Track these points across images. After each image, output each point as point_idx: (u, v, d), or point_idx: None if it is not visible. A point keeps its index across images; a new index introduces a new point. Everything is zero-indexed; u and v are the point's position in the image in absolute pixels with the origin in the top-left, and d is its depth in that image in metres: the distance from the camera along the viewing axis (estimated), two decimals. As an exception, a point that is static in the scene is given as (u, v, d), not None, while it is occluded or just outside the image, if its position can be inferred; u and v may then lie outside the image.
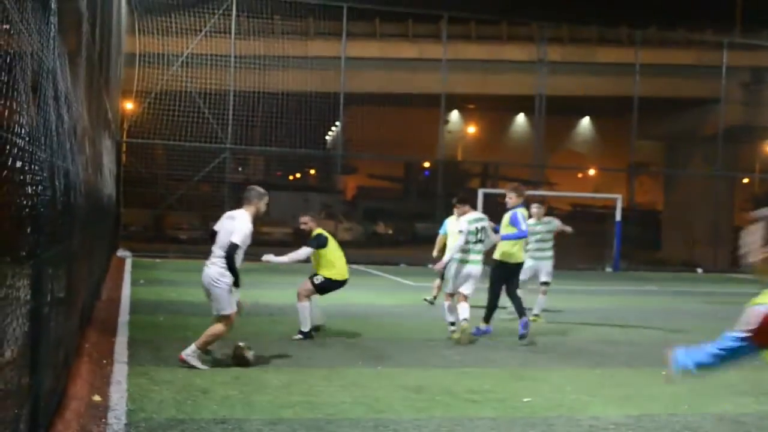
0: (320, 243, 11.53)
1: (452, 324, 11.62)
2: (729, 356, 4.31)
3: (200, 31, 27.18)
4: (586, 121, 45.77)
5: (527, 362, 10.04)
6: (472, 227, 11.51)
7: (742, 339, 4.13)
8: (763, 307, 3.96)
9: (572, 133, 45.82)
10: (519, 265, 12.11)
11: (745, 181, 42.23)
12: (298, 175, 45.08)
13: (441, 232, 15.21)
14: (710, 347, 4.45)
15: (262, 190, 9.40)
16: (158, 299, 14.91)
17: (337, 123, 30.15)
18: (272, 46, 27.78)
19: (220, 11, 27.14)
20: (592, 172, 46.25)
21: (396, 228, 43.33)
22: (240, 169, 32.44)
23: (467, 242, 11.43)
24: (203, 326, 11.92)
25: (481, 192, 28.95)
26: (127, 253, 24.81)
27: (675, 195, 39.99)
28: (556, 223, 14.42)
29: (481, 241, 11.54)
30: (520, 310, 11.73)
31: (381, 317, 13.85)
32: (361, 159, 39.68)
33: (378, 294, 17.08)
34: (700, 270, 30.95)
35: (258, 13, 27.29)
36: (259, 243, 35.82)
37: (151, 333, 10.99)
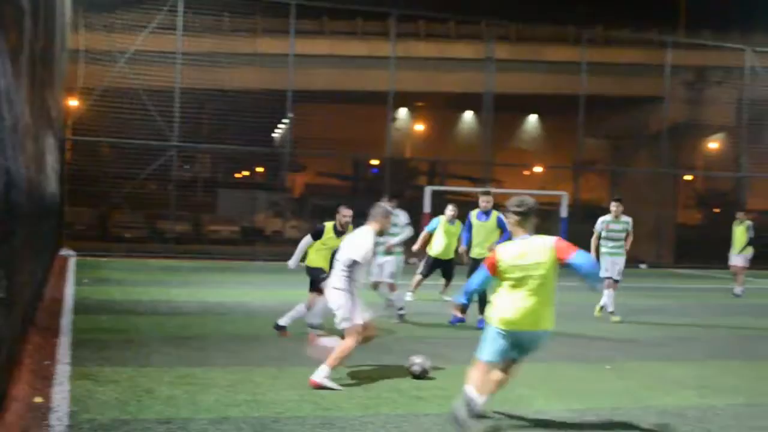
0: None
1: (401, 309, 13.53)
2: (483, 282, 7.23)
3: (146, 27, 26.88)
4: (533, 119, 46.12)
5: (473, 358, 10.07)
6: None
7: (485, 270, 7.12)
8: (496, 251, 7.09)
9: (519, 131, 46.14)
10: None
11: (689, 178, 42.90)
12: (246, 173, 44.81)
13: (428, 229, 15.55)
14: (472, 280, 7.40)
15: (389, 208, 9.14)
16: (103, 299, 14.74)
17: (286, 120, 30.03)
18: (220, 43, 27.60)
19: (166, 8, 26.86)
20: (539, 169, 46.62)
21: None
22: (187, 167, 32.22)
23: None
24: (148, 326, 11.83)
25: (428, 189, 29.05)
26: (71, 252, 24.48)
27: (620, 192, 40.43)
28: (631, 223, 14.73)
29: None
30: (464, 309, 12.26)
31: (328, 315, 13.79)
32: (310, 156, 39.57)
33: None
34: (643, 265, 31.34)
35: (205, 9, 27.10)
36: (207, 241, 35.69)
37: (95, 333, 10.85)
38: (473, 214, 13.22)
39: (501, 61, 32.12)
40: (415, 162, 50.62)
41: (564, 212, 28.79)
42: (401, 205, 14.47)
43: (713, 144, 42.48)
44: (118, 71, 26.62)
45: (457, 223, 14.90)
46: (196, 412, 6.94)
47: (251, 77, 28.05)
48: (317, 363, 8.41)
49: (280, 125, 32.49)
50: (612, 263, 14.37)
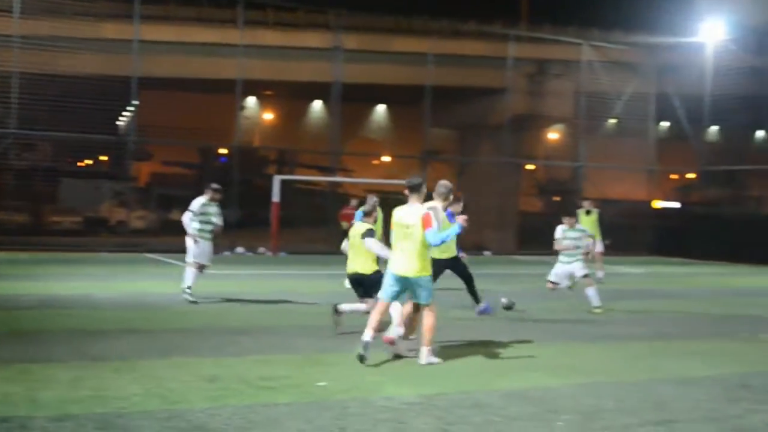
0: None
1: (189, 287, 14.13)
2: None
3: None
4: (381, 109, 46.55)
5: (323, 347, 10.16)
6: (204, 209, 14.28)
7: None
8: (394, 211, 9.33)
9: (368, 121, 46.51)
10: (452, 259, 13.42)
11: (530, 167, 44.28)
12: (89, 162, 43.41)
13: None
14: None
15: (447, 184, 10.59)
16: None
17: (131, 108, 29.28)
18: (61, 27, 26.56)
19: (2, -12, 25.72)
20: (387, 158, 47.13)
21: (192, 215, 42.45)
22: (26, 155, 30.98)
23: (203, 221, 14.27)
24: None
25: (277, 178, 28.97)
26: None
27: (466, 181, 41.26)
28: (587, 231, 15.56)
29: (211, 222, 14.39)
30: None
31: (175, 306, 13.63)
32: (156, 145, 38.72)
33: (173, 283, 16.75)
34: (488, 252, 32.19)
35: (45, -9, 26.09)
36: (48, 232, 34.52)
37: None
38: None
39: (349, 51, 32.25)
40: (264, 151, 50.35)
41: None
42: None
43: (553, 135, 44.02)
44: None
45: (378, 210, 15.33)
46: (36, 410, 6.71)
47: (95, 63, 27.15)
48: (163, 356, 8.25)
49: (125, 113, 31.66)
50: (567, 270, 14.82)
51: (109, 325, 11.30)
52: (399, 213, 9.42)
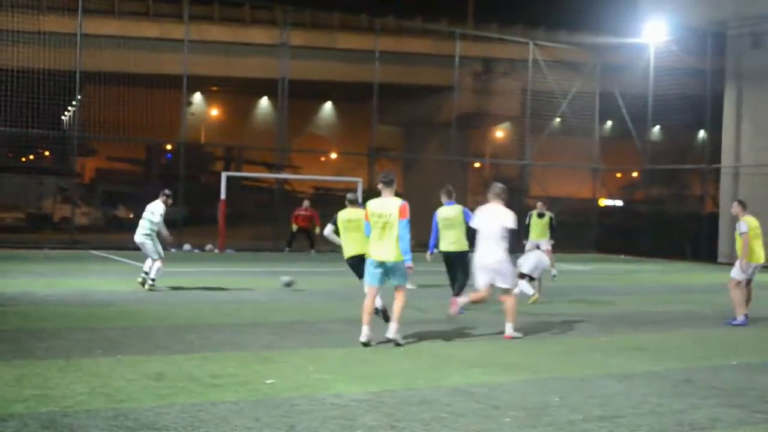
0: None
1: (148, 274, 15.50)
2: (368, 226, 10.46)
3: None
4: (328, 106, 46.51)
5: (271, 345, 10.13)
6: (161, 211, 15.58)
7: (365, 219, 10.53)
8: (368, 204, 10.43)
9: (315, 117, 46.44)
10: (460, 254, 13.87)
11: (477, 165, 44.51)
12: (31, 157, 42.68)
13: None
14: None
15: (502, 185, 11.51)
16: None
17: (74, 103, 28.83)
18: (2, 20, 26.08)
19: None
20: (334, 155, 47.08)
21: (137, 212, 42.03)
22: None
23: (152, 222, 15.59)
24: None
25: (224, 175, 28.81)
26: None
27: (413, 178, 41.45)
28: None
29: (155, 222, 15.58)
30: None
31: (122, 304, 13.47)
32: (101, 141, 38.20)
33: (119, 280, 16.60)
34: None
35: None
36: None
37: None
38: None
39: (296, 48, 32.15)
40: (211, 147, 50.01)
41: (359, 198, 29.20)
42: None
43: (500, 133, 44.30)
44: None
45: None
46: (-22, 410, 6.60)
47: (37, 56, 26.69)
48: (109, 354, 8.12)
49: (69, 107, 31.19)
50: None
51: (53, 323, 11.14)
52: (374, 204, 10.42)
